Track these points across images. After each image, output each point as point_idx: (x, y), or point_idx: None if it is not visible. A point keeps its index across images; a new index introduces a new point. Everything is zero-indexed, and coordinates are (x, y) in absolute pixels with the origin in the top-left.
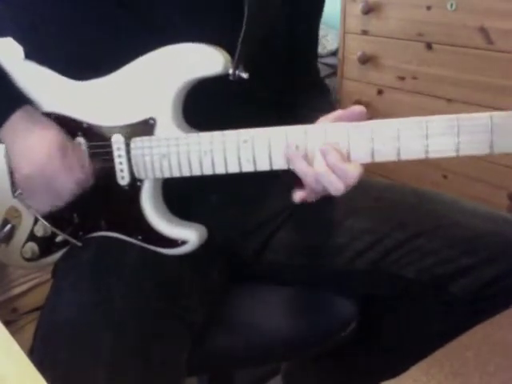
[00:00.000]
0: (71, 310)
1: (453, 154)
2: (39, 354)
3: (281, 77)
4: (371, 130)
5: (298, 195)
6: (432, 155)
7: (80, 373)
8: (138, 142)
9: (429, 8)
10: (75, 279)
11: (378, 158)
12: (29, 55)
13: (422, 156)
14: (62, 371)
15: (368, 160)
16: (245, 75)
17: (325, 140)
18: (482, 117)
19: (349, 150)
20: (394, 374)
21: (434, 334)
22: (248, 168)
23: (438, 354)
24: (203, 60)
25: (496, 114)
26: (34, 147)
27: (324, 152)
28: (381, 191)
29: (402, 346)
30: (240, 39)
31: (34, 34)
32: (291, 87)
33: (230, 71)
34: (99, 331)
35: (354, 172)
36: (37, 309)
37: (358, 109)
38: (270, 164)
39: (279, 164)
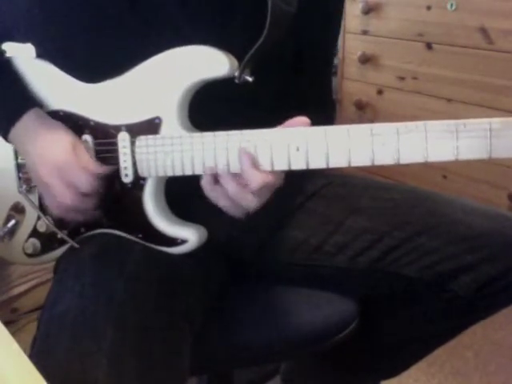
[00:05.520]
0: (72, 300)
1: (452, 158)
2: (40, 343)
3: (287, 85)
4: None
5: None
6: (431, 159)
7: (80, 362)
8: (143, 141)
9: (429, 8)
10: (77, 272)
11: (378, 162)
12: (40, 56)
13: (420, 160)
14: (61, 359)
15: (367, 163)
16: (250, 78)
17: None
18: (481, 122)
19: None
20: (395, 373)
21: (434, 332)
22: None
23: (438, 353)
24: (209, 62)
25: (494, 119)
26: (45, 148)
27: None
28: (381, 190)
29: (402, 345)
30: (257, 45)
31: (47, 40)
32: (298, 97)
33: (236, 74)
34: (100, 323)
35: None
36: (37, 309)
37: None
38: (272, 165)
39: (280, 165)
